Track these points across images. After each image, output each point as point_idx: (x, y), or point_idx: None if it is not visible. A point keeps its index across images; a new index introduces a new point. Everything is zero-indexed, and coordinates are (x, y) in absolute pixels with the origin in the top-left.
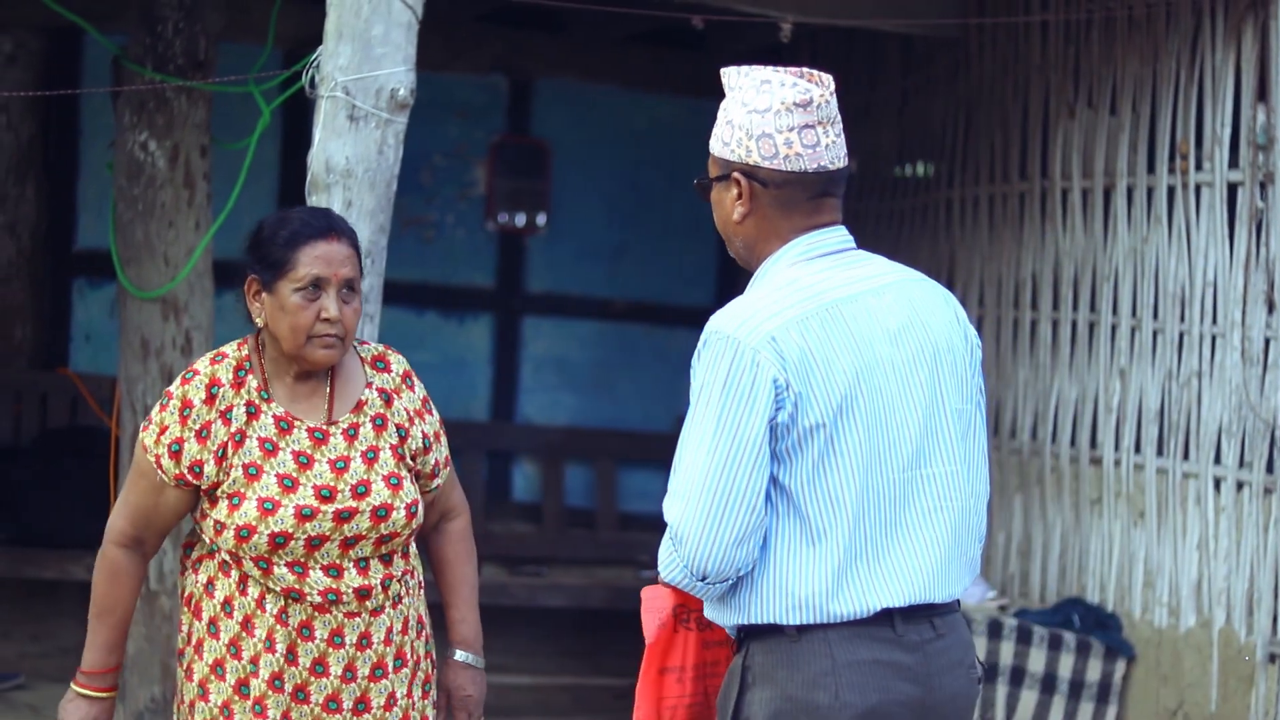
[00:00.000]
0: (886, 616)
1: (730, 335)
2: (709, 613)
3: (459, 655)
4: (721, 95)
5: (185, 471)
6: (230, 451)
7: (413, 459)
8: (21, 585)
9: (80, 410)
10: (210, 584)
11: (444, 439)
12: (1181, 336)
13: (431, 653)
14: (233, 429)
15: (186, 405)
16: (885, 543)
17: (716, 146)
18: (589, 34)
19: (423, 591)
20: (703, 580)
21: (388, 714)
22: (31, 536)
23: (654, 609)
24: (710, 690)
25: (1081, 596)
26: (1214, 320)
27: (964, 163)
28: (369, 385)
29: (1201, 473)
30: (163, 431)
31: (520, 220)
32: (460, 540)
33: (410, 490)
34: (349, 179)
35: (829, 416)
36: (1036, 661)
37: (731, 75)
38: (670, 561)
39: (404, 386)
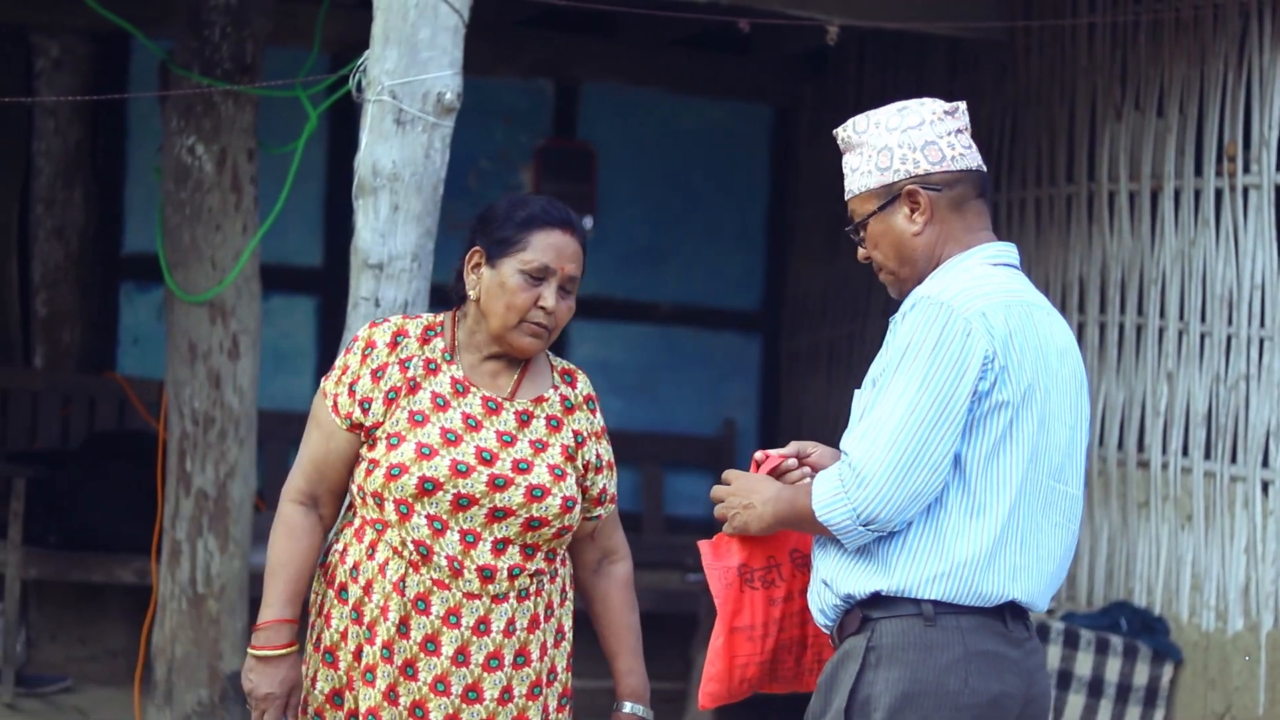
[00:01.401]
0: (1000, 612)
1: (945, 302)
2: (835, 574)
3: (629, 708)
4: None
5: (356, 409)
6: (401, 396)
7: (584, 472)
8: (69, 588)
9: (128, 414)
10: (345, 551)
11: (615, 475)
12: (1229, 339)
13: (571, 668)
14: (409, 375)
15: (370, 345)
16: (1028, 539)
17: (870, 181)
18: (634, 38)
19: (570, 605)
20: (866, 526)
21: (501, 708)
22: (79, 540)
23: (718, 566)
24: (780, 648)
25: (1129, 600)
26: (1262, 323)
27: (1011, 166)
28: (554, 388)
29: (1249, 476)
30: (344, 372)
31: None
32: (625, 586)
33: (572, 486)
34: (396, 183)
35: (1017, 397)
36: (1084, 665)
37: (857, 123)
38: (835, 501)
39: (585, 406)
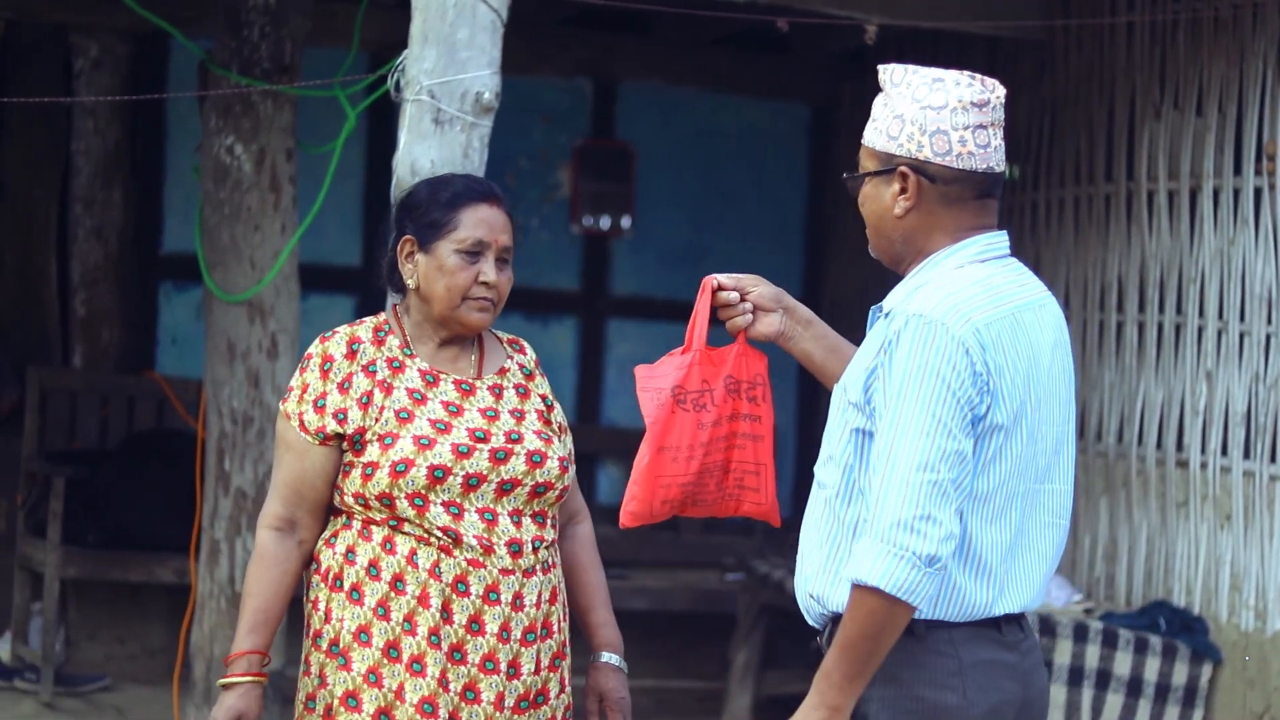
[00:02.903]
0: (993, 620)
1: (936, 320)
2: (823, 590)
3: (607, 658)
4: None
5: (330, 421)
6: (378, 397)
7: (560, 434)
8: (108, 587)
9: (166, 413)
10: (350, 552)
11: (570, 437)
12: (1268, 338)
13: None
14: (378, 378)
15: (327, 360)
16: (1016, 549)
17: (878, 140)
18: (673, 37)
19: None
20: (932, 564)
21: (535, 678)
22: (118, 539)
23: (651, 388)
24: (704, 471)
25: (1168, 600)
26: None
27: (1050, 165)
28: (509, 358)
29: None
30: (304, 390)
31: (605, 223)
32: (590, 545)
33: (560, 448)
34: None
35: (1009, 419)
36: (1122, 665)
37: (895, 71)
38: (890, 561)
39: (537, 372)
